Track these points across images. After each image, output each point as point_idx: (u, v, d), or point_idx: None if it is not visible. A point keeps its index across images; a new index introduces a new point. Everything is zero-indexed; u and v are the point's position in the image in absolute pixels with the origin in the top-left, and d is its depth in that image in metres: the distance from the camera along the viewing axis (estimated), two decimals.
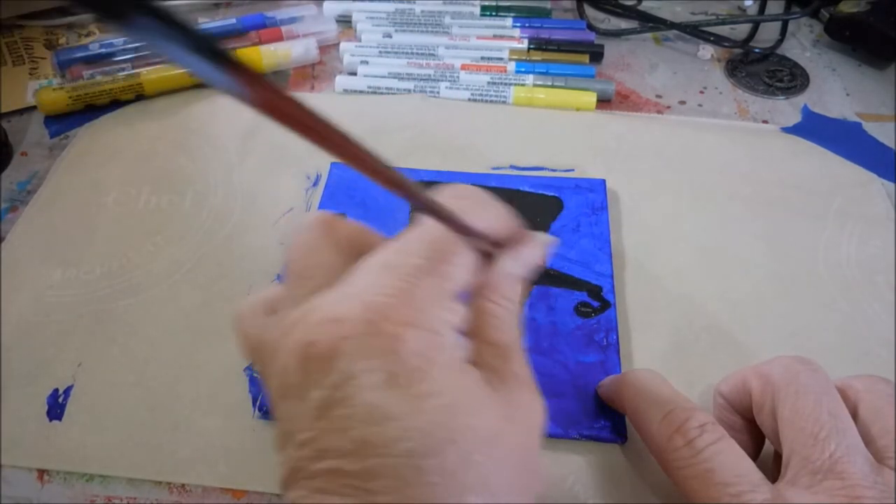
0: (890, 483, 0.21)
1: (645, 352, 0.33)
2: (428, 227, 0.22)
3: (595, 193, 0.39)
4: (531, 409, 0.22)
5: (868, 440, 0.23)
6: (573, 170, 0.41)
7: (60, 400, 0.31)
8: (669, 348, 0.33)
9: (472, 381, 0.20)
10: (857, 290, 0.35)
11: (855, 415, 0.24)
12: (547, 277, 0.35)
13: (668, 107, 0.47)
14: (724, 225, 0.38)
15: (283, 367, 0.21)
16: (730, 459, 0.23)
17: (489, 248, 0.23)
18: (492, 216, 0.24)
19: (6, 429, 0.30)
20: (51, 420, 0.30)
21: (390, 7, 0.54)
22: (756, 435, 0.27)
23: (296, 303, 0.21)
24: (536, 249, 0.25)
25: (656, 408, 0.25)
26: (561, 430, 0.29)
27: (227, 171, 0.42)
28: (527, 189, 0.39)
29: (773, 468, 0.25)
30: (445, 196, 0.22)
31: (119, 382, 0.32)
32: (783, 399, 0.24)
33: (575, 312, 0.34)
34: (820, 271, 0.36)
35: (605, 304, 0.34)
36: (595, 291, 0.34)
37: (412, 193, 0.18)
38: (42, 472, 0.29)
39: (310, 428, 0.20)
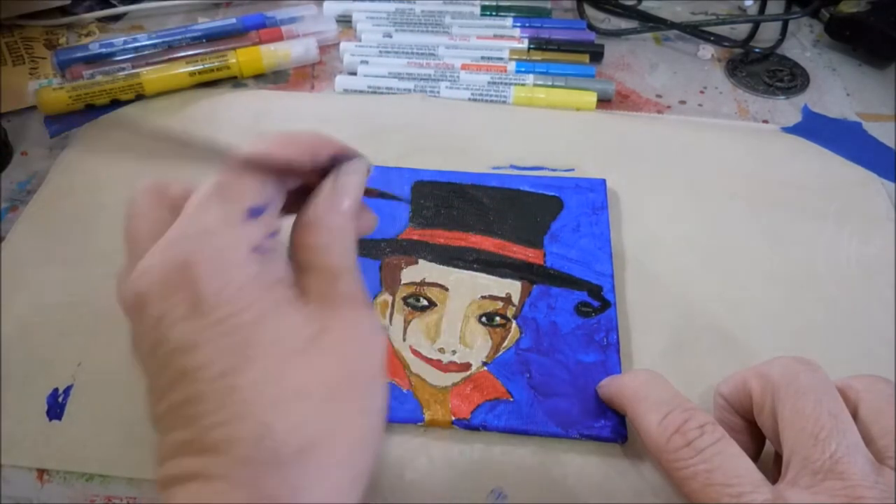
0: (890, 483, 0.21)
1: (645, 351, 0.33)
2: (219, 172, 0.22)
3: (595, 193, 0.39)
4: (354, 322, 0.22)
5: (868, 440, 0.23)
6: (573, 169, 0.41)
7: (60, 400, 0.31)
8: (669, 348, 0.33)
9: (275, 297, 0.21)
10: (857, 290, 0.35)
11: (855, 415, 0.24)
12: (547, 277, 0.35)
13: (669, 107, 0.47)
14: (725, 225, 0.38)
15: (128, 325, 0.22)
16: (730, 460, 0.23)
17: (311, 178, 0.24)
18: (294, 148, 0.24)
19: (6, 428, 0.30)
20: (50, 420, 0.30)
21: (390, 7, 0.54)
22: (756, 435, 0.27)
23: (133, 266, 0.23)
24: (353, 177, 0.25)
25: (656, 409, 0.25)
26: (561, 429, 0.29)
27: None
28: (527, 189, 0.39)
29: (773, 469, 0.25)
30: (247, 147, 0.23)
31: (119, 382, 0.32)
32: (783, 399, 0.24)
33: (575, 312, 0.34)
34: (820, 271, 0.36)
35: (606, 304, 0.34)
36: (595, 291, 0.34)
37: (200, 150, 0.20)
38: (42, 472, 0.29)
39: (147, 373, 0.21)
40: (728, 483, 0.22)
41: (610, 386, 0.29)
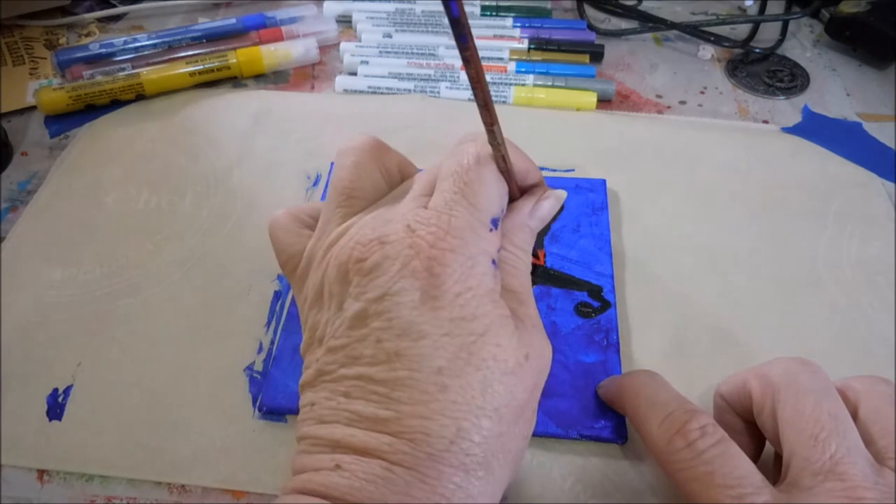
0: (891, 484, 0.21)
1: (645, 352, 0.33)
2: (457, 160, 0.23)
3: (595, 193, 0.39)
4: (543, 351, 0.23)
5: (868, 441, 0.23)
6: (573, 170, 0.41)
7: (60, 400, 0.31)
8: (669, 348, 0.33)
9: (503, 314, 0.22)
10: (857, 290, 0.35)
11: (855, 416, 0.24)
12: (547, 277, 0.35)
13: (669, 107, 0.47)
14: (725, 225, 0.38)
15: (322, 277, 0.23)
16: (731, 461, 0.23)
17: (514, 194, 0.25)
18: (526, 161, 0.25)
19: (6, 429, 0.30)
20: (50, 420, 0.30)
21: (390, 7, 0.54)
22: (757, 437, 0.27)
23: (341, 220, 0.23)
24: (551, 202, 0.26)
25: (657, 410, 0.25)
26: (561, 430, 0.29)
27: (226, 171, 0.42)
28: None
29: (773, 470, 0.25)
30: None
31: (119, 382, 0.32)
32: (783, 400, 0.24)
33: (575, 312, 0.34)
34: (820, 271, 0.36)
35: (606, 304, 0.34)
36: (595, 291, 0.34)
37: (490, 111, 0.21)
38: (42, 472, 0.29)
39: (344, 335, 0.21)
40: (729, 484, 0.22)
41: (610, 387, 0.29)
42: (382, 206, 0.24)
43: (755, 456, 0.27)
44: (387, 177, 0.26)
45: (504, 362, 0.21)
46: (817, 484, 0.21)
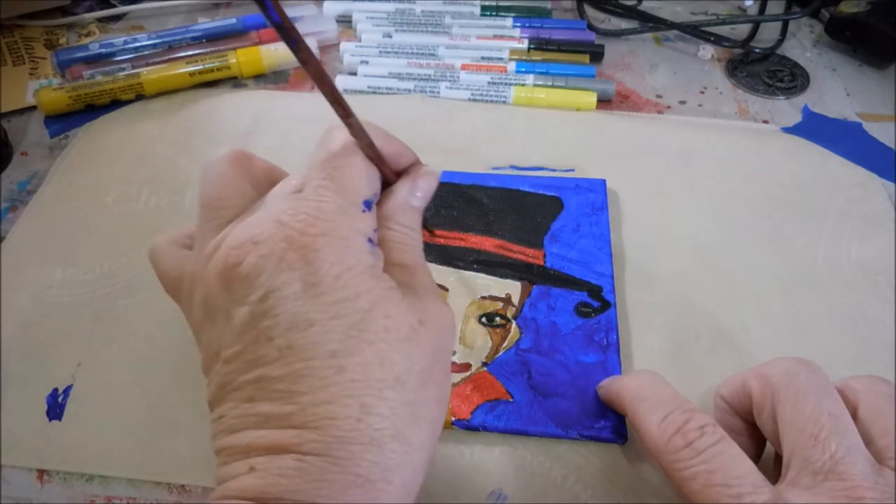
0: (891, 483, 0.21)
1: (645, 352, 0.33)
2: (325, 148, 0.24)
3: (595, 193, 0.39)
4: (441, 315, 0.23)
5: (868, 440, 0.23)
6: (573, 170, 0.41)
7: (60, 400, 0.31)
8: (669, 348, 0.33)
9: (386, 286, 0.22)
10: (857, 290, 0.35)
11: (855, 415, 0.24)
12: (547, 277, 0.35)
13: (669, 107, 0.47)
14: (725, 225, 0.38)
15: (206, 292, 0.22)
16: (730, 461, 0.23)
17: (390, 177, 0.25)
18: (396, 145, 0.25)
19: (6, 429, 0.30)
20: (50, 420, 0.30)
21: (390, 7, 0.54)
22: (757, 437, 0.27)
23: (214, 233, 0.23)
24: (429, 179, 0.26)
25: (656, 410, 0.25)
26: (561, 430, 0.29)
27: None
28: (527, 189, 0.39)
29: (773, 470, 0.25)
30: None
31: (119, 382, 0.32)
32: (783, 401, 0.24)
33: (575, 312, 0.34)
34: (820, 271, 0.36)
35: (606, 304, 0.34)
36: (595, 291, 0.34)
37: (337, 102, 0.22)
38: (42, 472, 0.29)
39: (237, 342, 0.21)
40: (728, 484, 0.22)
41: (610, 387, 0.29)
42: (251, 212, 0.24)
43: (755, 457, 0.27)
44: (254, 184, 0.25)
45: (397, 331, 0.21)
46: (817, 484, 0.21)
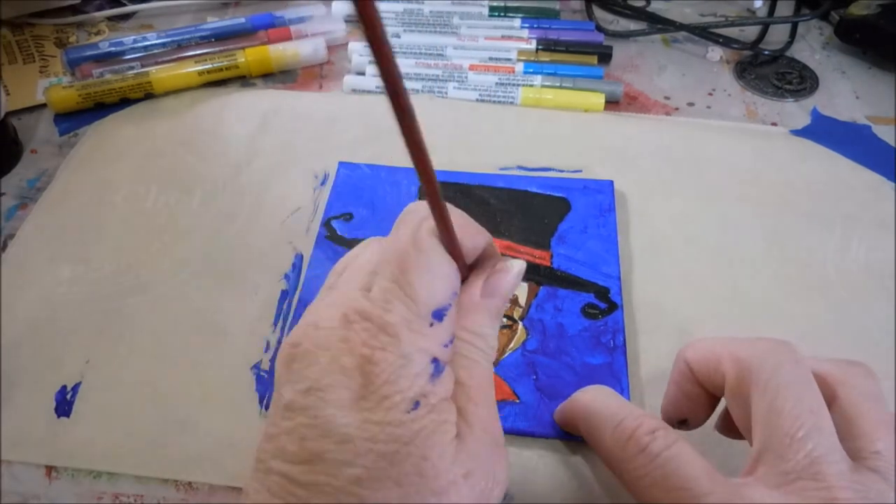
0: (867, 484, 0.21)
1: (651, 354, 0.33)
2: (395, 244, 0.21)
3: (603, 195, 0.39)
4: (493, 469, 0.21)
5: (843, 437, 0.22)
6: (581, 171, 0.41)
7: (68, 397, 0.31)
8: (676, 350, 0.33)
9: (439, 420, 0.20)
10: (866, 294, 0.35)
11: (830, 405, 0.23)
12: (554, 278, 0.35)
13: (677, 108, 0.47)
14: (733, 227, 0.38)
15: (277, 361, 0.21)
16: (685, 462, 0.22)
17: (463, 273, 0.22)
18: (475, 234, 0.22)
19: (15, 425, 0.30)
20: (59, 417, 0.30)
21: (399, 7, 0.54)
22: (712, 405, 0.26)
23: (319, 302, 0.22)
24: (510, 277, 0.23)
25: (607, 420, 0.25)
26: (567, 432, 0.29)
27: (235, 170, 0.42)
28: (534, 190, 0.39)
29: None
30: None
31: (127, 380, 0.32)
32: (761, 393, 0.23)
33: (582, 314, 0.34)
34: (829, 275, 0.36)
35: (613, 306, 0.34)
36: (602, 293, 0.34)
37: (430, 180, 0.18)
38: (50, 469, 0.29)
39: (277, 424, 0.20)
40: (685, 486, 0.22)
41: (563, 409, 0.29)
42: (328, 287, 0.22)
43: (706, 419, 0.27)
44: None
45: (432, 479, 0.19)
46: (788, 482, 0.21)
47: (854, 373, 0.24)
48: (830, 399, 0.23)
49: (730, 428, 0.27)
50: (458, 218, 0.21)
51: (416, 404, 0.19)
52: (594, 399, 0.27)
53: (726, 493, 0.21)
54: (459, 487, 0.19)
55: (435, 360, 0.20)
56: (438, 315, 0.20)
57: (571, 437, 0.29)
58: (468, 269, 0.23)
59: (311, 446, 0.19)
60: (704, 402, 0.26)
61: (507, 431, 0.29)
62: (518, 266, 0.24)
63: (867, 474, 0.21)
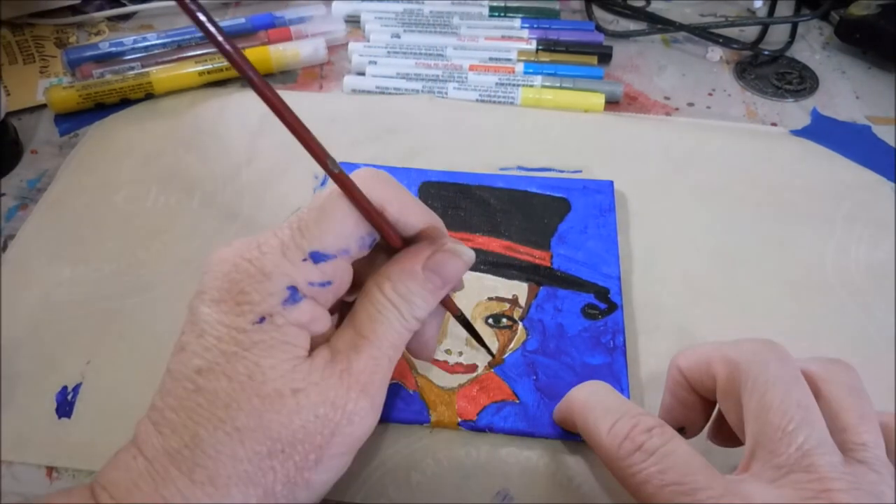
0: (858, 476, 0.21)
1: (651, 354, 0.33)
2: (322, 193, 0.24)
3: (603, 195, 0.39)
4: (341, 404, 0.23)
5: (830, 430, 0.22)
6: (581, 171, 0.41)
7: (69, 397, 0.31)
8: (676, 350, 0.33)
9: (280, 339, 0.22)
10: (866, 294, 0.35)
11: (816, 401, 0.23)
12: (554, 279, 0.35)
13: (677, 109, 0.47)
14: (732, 227, 0.38)
15: None
16: (681, 459, 0.22)
17: (392, 240, 0.24)
18: (414, 211, 0.25)
19: (16, 426, 0.30)
20: (60, 417, 0.31)
21: (399, 7, 0.54)
22: (707, 412, 0.27)
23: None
24: (456, 262, 0.25)
25: (604, 418, 0.25)
26: (567, 432, 0.29)
27: (235, 170, 0.42)
28: (534, 190, 0.39)
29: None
30: (361, 173, 0.24)
31: (128, 380, 0.32)
32: (751, 390, 0.23)
33: (582, 314, 0.34)
34: (828, 275, 0.36)
35: (613, 307, 0.34)
36: (602, 293, 0.34)
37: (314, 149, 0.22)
38: (51, 469, 0.29)
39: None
40: (681, 482, 0.22)
41: (560, 406, 0.29)
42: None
43: (702, 427, 0.27)
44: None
45: (259, 384, 0.21)
46: (781, 476, 0.21)
47: (835, 369, 0.24)
48: (815, 395, 0.23)
49: (722, 436, 0.27)
50: (398, 193, 0.24)
51: (262, 319, 0.22)
52: (590, 396, 0.27)
53: (723, 489, 0.21)
54: (285, 399, 0.22)
55: (293, 289, 0.22)
56: (317, 257, 0.23)
57: (572, 437, 0.29)
58: (403, 241, 0.25)
59: (182, 339, 0.23)
60: (700, 408, 0.27)
61: (507, 431, 0.30)
62: (468, 254, 0.26)
63: (856, 466, 0.21)
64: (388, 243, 0.25)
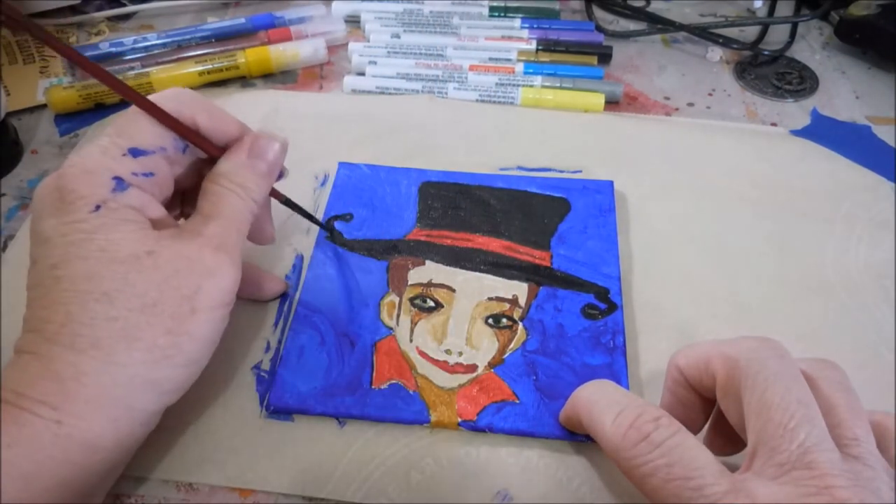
0: (857, 472, 0.21)
1: (651, 354, 0.33)
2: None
3: (602, 195, 0.39)
4: (196, 260, 0.26)
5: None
6: (581, 171, 0.41)
7: None
8: (676, 350, 0.33)
9: (119, 217, 0.25)
10: (865, 294, 0.35)
11: None
12: (554, 279, 0.35)
13: (677, 109, 0.47)
14: (732, 227, 0.38)
15: None
16: (688, 452, 0.22)
17: (211, 149, 0.28)
18: (220, 118, 0.28)
19: None
20: None
21: (399, 7, 0.54)
22: (706, 411, 0.27)
23: None
24: (277, 143, 0.29)
25: (608, 410, 0.25)
26: (566, 432, 0.29)
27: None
28: (534, 190, 0.39)
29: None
30: (164, 95, 0.28)
31: None
32: (751, 388, 0.23)
33: (582, 314, 0.34)
34: (828, 275, 0.36)
35: (612, 307, 0.34)
36: (602, 293, 0.34)
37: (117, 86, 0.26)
38: None
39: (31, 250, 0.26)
40: (688, 476, 0.22)
41: (566, 406, 0.29)
42: None
43: (702, 427, 0.27)
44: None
45: (114, 252, 0.24)
46: (784, 473, 0.21)
47: (824, 367, 0.25)
48: None
49: (718, 443, 0.27)
50: (207, 105, 0.28)
51: (98, 207, 0.25)
52: (595, 391, 0.27)
53: (729, 485, 0.21)
54: (142, 260, 0.25)
55: (118, 179, 0.25)
56: (135, 153, 0.26)
57: (574, 436, 0.29)
58: (220, 150, 0.29)
59: (32, 253, 0.25)
60: (699, 407, 0.27)
61: (508, 432, 0.30)
62: (282, 138, 0.30)
63: (852, 462, 0.21)
64: (208, 154, 0.29)
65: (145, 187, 0.26)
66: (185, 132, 0.27)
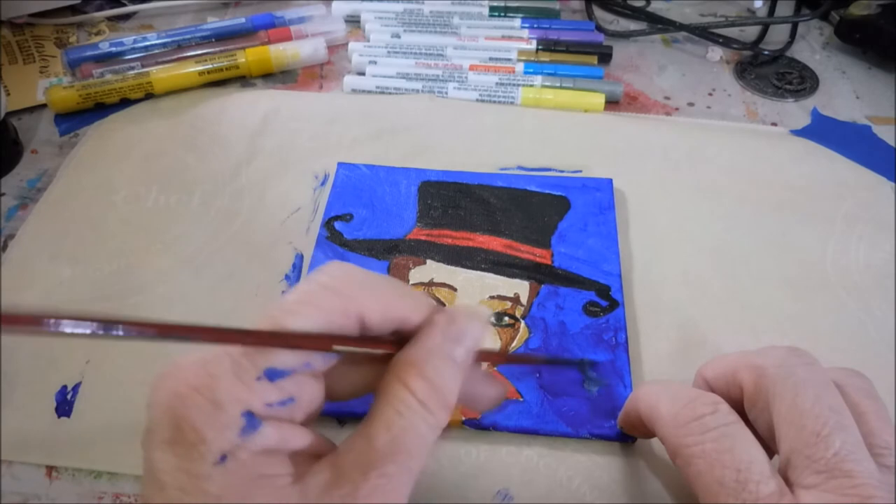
0: (891, 482, 0.21)
1: (653, 352, 0.33)
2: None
3: (602, 193, 0.39)
4: None
5: None
6: (581, 171, 0.41)
7: (69, 397, 0.31)
8: (677, 349, 0.33)
9: (252, 478, 0.19)
10: (865, 294, 0.35)
11: None
12: (555, 277, 0.35)
13: (677, 108, 0.47)
14: (732, 227, 0.38)
15: None
16: (741, 445, 0.22)
17: (378, 347, 0.21)
18: (380, 309, 0.21)
19: (15, 425, 0.30)
20: (59, 417, 0.30)
21: (399, 7, 0.54)
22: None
23: None
24: (478, 322, 0.22)
25: (668, 394, 0.24)
26: (571, 429, 0.29)
27: (235, 170, 0.42)
28: (534, 189, 0.39)
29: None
30: (317, 285, 0.21)
31: (127, 380, 0.32)
32: (780, 395, 0.23)
33: (583, 312, 0.34)
34: (828, 274, 0.36)
35: (614, 304, 0.34)
36: (603, 291, 0.34)
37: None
38: (50, 469, 0.29)
39: None
40: (736, 467, 0.21)
41: (626, 407, 0.28)
42: None
43: None
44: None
45: None
46: (823, 482, 0.21)
47: (851, 375, 0.24)
48: None
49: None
50: (376, 293, 0.21)
51: (223, 458, 0.19)
52: (657, 385, 0.26)
53: (777, 487, 0.21)
54: None
55: (249, 415, 0.19)
56: (272, 374, 0.20)
57: (573, 435, 0.29)
58: (397, 343, 0.22)
59: (144, 493, 0.19)
60: None
61: (512, 430, 0.30)
62: (485, 311, 0.23)
63: (885, 472, 0.21)
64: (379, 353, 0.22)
65: (284, 416, 0.20)
66: (345, 343, 0.21)
